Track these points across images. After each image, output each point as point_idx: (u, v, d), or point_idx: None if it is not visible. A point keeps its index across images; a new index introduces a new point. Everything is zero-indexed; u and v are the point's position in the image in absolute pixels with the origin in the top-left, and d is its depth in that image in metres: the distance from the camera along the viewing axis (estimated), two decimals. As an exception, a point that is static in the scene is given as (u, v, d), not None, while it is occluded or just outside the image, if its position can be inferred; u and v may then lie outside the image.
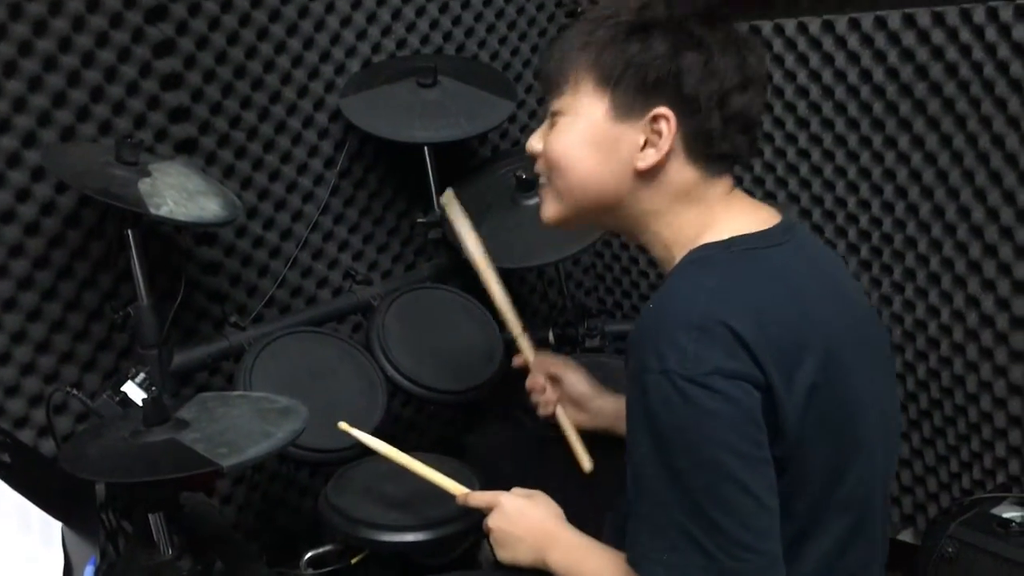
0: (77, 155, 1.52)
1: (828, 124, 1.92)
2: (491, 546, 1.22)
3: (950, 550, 1.61)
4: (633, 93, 1.08)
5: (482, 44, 2.17)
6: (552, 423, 1.47)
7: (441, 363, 1.71)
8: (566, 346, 2.00)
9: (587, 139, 1.11)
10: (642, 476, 1.01)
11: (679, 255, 1.11)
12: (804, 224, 1.97)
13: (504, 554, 1.21)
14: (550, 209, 1.18)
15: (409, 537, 1.34)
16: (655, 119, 1.07)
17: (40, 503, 1.12)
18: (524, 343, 1.52)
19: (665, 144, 1.08)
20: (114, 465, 1.13)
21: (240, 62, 1.78)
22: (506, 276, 2.27)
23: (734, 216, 1.11)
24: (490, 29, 2.17)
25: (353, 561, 1.39)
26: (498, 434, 1.73)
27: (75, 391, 1.40)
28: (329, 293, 2.00)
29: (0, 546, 1.02)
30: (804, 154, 1.98)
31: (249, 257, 1.88)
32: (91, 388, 1.67)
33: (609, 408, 1.45)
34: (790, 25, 1.92)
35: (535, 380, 1.49)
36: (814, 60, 1.90)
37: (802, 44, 1.91)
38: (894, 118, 1.81)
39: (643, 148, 1.09)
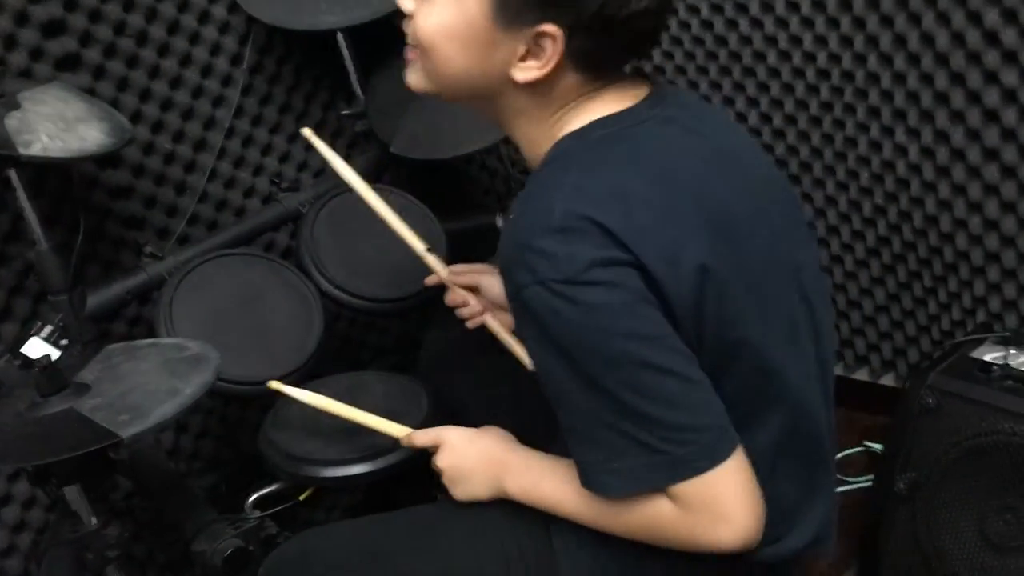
0: (-66, 93, 1.36)
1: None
2: (445, 487, 1.12)
3: (930, 400, 1.55)
4: (522, 2, 0.93)
5: (389, -96, 1.95)
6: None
7: (380, 269, 1.58)
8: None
9: (458, 34, 0.96)
10: (560, 393, 0.94)
11: (543, 153, 1.00)
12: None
13: (459, 491, 1.11)
14: (417, 81, 1.04)
15: (355, 469, 1.26)
16: (540, 35, 0.94)
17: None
18: (431, 260, 1.40)
19: (549, 63, 0.95)
20: (6, 447, 1.03)
21: (114, -42, 1.59)
22: (444, 166, 2.14)
23: (600, 102, 1.00)
24: None
25: (301, 498, 1.31)
26: (453, 331, 1.63)
27: (-27, 359, 1.29)
28: (259, 202, 1.86)
29: None
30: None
31: (162, 175, 1.73)
32: (9, 337, 1.55)
33: None
34: None
35: (455, 295, 1.38)
36: None
37: None
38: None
39: (524, 59, 0.96)
